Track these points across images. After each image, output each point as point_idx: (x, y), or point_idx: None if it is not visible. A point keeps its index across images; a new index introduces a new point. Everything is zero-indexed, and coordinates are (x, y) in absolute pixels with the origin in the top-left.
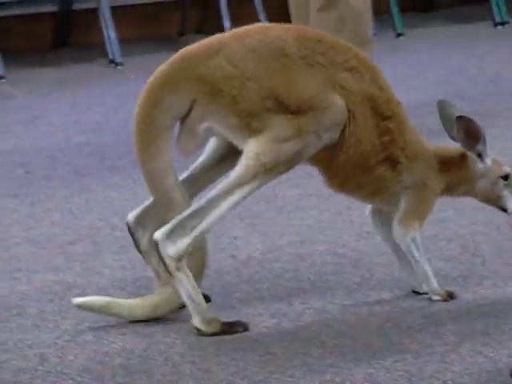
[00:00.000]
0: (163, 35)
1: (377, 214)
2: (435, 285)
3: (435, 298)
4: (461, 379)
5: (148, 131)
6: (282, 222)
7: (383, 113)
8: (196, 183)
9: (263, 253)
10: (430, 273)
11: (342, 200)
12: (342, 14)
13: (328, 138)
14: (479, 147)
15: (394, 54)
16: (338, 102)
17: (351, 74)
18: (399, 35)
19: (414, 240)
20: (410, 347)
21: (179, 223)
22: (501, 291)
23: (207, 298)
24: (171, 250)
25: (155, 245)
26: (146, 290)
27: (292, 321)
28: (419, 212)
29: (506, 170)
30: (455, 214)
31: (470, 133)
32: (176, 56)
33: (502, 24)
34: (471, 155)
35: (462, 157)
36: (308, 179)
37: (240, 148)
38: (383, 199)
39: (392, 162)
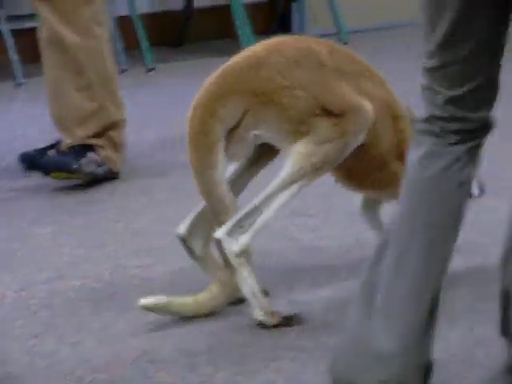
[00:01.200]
0: None
1: (367, 208)
2: None
3: None
4: None
5: (205, 143)
6: (39, 259)
7: (396, 114)
8: (236, 186)
9: (16, 290)
10: None
11: (97, 234)
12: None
13: (361, 138)
14: None
15: (146, 88)
16: (368, 105)
17: (371, 82)
18: (150, 70)
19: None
20: (164, 380)
21: (237, 222)
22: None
23: (266, 293)
24: (234, 246)
25: (217, 242)
26: None
27: (46, 357)
28: None
29: None
30: None
31: None
32: (222, 71)
33: None
34: None
35: None
36: (63, 216)
37: (285, 150)
38: (391, 192)
39: (403, 158)
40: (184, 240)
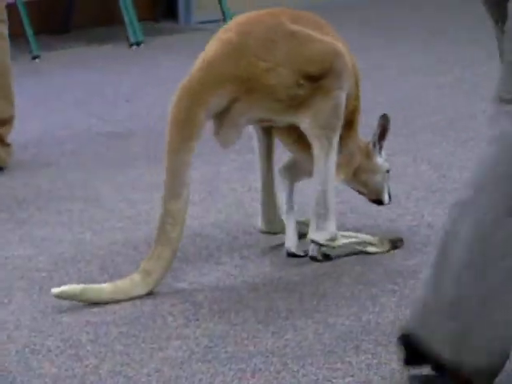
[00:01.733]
0: None
1: (287, 170)
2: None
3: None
4: None
5: (189, 129)
6: None
7: (358, 79)
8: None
9: None
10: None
11: None
12: None
13: (347, 86)
14: (382, 143)
15: (31, 76)
16: (341, 47)
17: (341, 43)
18: (35, 57)
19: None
20: (49, 371)
21: (315, 216)
22: (138, 311)
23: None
24: (326, 235)
25: (317, 244)
26: None
27: None
28: (349, 168)
29: (387, 164)
30: (92, 235)
31: (383, 129)
32: (204, 62)
33: (137, 44)
34: (375, 148)
35: (367, 148)
36: None
37: (289, 122)
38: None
39: (351, 125)
40: (269, 232)
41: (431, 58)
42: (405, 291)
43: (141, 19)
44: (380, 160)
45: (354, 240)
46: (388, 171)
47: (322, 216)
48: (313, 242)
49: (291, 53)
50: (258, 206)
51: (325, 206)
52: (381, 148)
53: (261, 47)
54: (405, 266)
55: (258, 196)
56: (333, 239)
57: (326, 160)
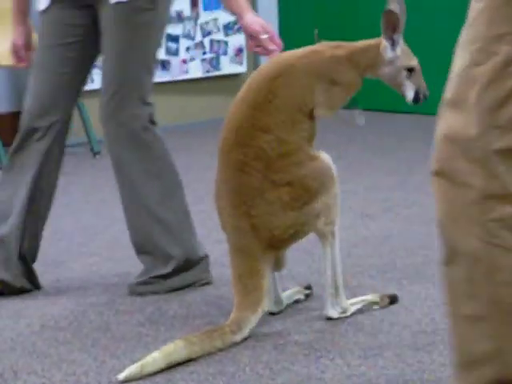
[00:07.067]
0: None
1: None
2: None
3: None
4: None
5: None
6: None
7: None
8: None
9: None
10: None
11: None
12: None
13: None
14: (395, 37)
15: None
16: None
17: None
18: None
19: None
20: None
21: (329, 296)
22: None
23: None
24: (339, 309)
25: (332, 319)
26: None
27: None
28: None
29: (413, 63)
30: None
31: (389, 23)
32: (234, 250)
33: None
34: (385, 43)
35: (377, 44)
36: None
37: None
38: None
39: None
40: (277, 312)
41: None
42: None
43: (6, 145)
44: (392, 54)
45: (360, 305)
46: (410, 69)
47: (334, 294)
48: (328, 318)
49: (281, 118)
50: None
51: (335, 286)
52: (394, 43)
53: (250, 134)
54: None
55: None
56: (344, 312)
57: (333, 248)
